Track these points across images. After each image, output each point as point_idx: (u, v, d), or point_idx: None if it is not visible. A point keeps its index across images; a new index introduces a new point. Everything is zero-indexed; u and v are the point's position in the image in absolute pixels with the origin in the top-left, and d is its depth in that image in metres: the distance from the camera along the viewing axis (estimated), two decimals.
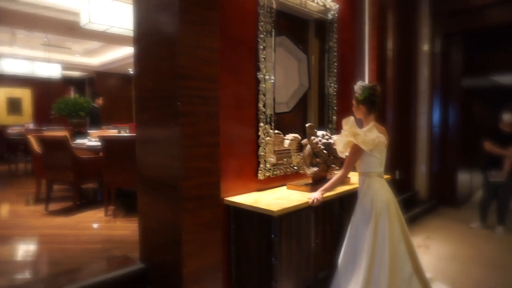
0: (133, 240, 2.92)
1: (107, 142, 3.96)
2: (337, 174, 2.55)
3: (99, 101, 7.36)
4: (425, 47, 5.52)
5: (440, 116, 5.57)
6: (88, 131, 6.15)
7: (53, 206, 4.34)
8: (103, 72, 11.18)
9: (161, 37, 2.22)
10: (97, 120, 7.29)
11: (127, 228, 3.54)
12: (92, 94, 7.56)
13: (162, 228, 2.33)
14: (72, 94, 11.72)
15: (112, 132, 5.71)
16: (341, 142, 2.49)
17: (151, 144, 2.38)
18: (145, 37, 2.39)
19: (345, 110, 2.48)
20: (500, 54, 6.86)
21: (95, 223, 3.85)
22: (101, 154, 4.12)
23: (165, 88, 2.19)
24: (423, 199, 5.54)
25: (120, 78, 11.64)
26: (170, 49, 2.13)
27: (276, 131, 2.91)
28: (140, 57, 2.46)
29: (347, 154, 2.48)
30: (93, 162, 4.32)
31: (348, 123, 2.40)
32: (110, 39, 7.14)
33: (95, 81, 11.43)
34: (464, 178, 5.86)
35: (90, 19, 4.26)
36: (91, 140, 5.00)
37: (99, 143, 4.28)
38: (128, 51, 8.52)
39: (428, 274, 2.72)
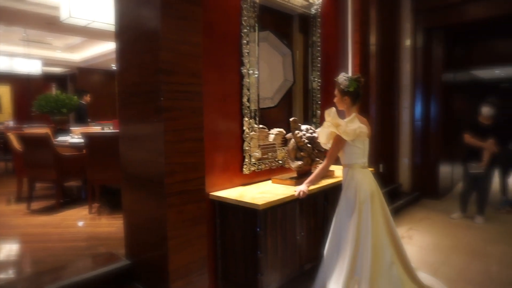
0: (118, 237, 2.90)
1: (90, 139, 3.90)
2: (320, 165, 2.58)
3: (87, 98, 7.29)
4: (407, 42, 5.61)
5: (422, 110, 5.69)
6: (71, 128, 6.05)
7: (35, 205, 4.26)
8: (86, 68, 10.97)
9: (143, 32, 2.20)
10: (84, 117, 7.21)
11: (112, 225, 3.51)
12: (80, 91, 7.49)
13: (148, 224, 2.32)
14: (54, 91, 11.45)
15: (95, 129, 5.62)
16: (323, 134, 2.52)
17: (135, 140, 2.36)
18: (127, 32, 2.36)
19: (329, 104, 2.51)
20: (479, 49, 7.04)
21: (79, 221, 3.80)
22: (84, 151, 4.06)
23: (148, 83, 2.17)
24: (406, 191, 5.66)
25: (103, 74, 11.45)
26: (152, 44, 2.12)
27: (261, 126, 2.93)
28: (122, 52, 2.43)
29: (329, 145, 2.52)
30: (76, 159, 4.26)
31: (331, 114, 2.44)
32: (92, 34, 7.01)
33: (77, 78, 11.21)
34: (445, 170, 6.00)
35: (70, 14, 4.16)
36: (74, 137, 4.91)
37: (82, 140, 4.22)
38: (111, 46, 8.37)
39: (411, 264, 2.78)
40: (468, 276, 3.08)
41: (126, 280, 2.43)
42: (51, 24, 6.08)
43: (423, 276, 2.90)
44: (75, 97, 6.26)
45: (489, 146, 4.38)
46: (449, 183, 6.29)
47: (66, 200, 4.52)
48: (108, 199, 4.36)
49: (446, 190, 6.09)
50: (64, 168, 4.11)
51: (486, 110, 4.51)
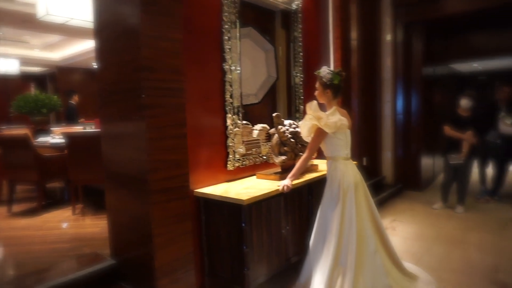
0: (103, 237, 2.87)
1: (72, 139, 3.84)
2: (301, 157, 2.61)
3: (76, 98, 7.21)
4: (388, 37, 5.70)
5: (403, 103, 5.79)
6: (52, 128, 5.93)
7: (16, 208, 4.16)
8: (66, 67, 10.72)
9: (122, 29, 2.17)
10: (74, 117, 7.11)
11: (96, 226, 3.46)
12: (68, 91, 7.39)
13: (132, 222, 2.30)
14: (33, 91, 11.17)
15: (77, 128, 5.52)
16: (305, 127, 2.55)
17: (117, 139, 2.34)
18: (106, 29, 2.33)
19: (311, 99, 2.53)
20: (457, 43, 7.20)
21: (63, 222, 3.74)
22: (65, 151, 3.99)
23: (128, 81, 2.15)
24: (389, 184, 5.77)
25: (84, 73, 11.21)
26: (132, 41, 2.10)
27: (245, 122, 2.93)
28: (102, 50, 2.40)
29: (310, 138, 2.55)
30: (57, 160, 4.18)
31: (312, 107, 2.47)
32: (71, 32, 6.85)
33: (57, 77, 10.95)
34: (427, 162, 6.13)
35: (47, 11, 4.06)
36: (55, 137, 4.82)
37: (63, 141, 4.14)
38: (91, 44, 8.16)
39: None
40: (449, 264, 3.17)
41: (112, 280, 2.41)
42: (28, 22, 5.92)
43: (407, 266, 2.97)
44: (55, 96, 6.13)
45: (468, 137, 4.51)
46: (431, 175, 6.43)
47: (48, 201, 4.43)
48: (92, 200, 4.30)
49: (428, 182, 6.23)
50: (45, 169, 4.03)
51: (464, 103, 4.62)
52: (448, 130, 4.66)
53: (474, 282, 2.84)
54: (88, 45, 8.56)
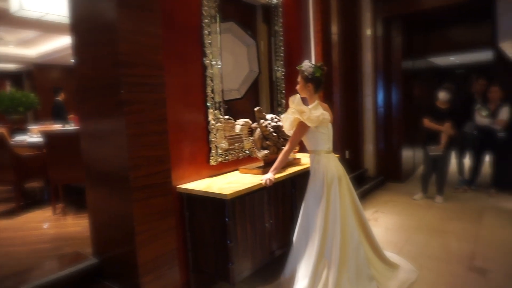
0: (84, 236, 2.83)
1: (50, 137, 3.75)
2: (282, 151, 2.63)
3: (63, 95, 7.05)
4: (368, 31, 5.76)
5: (384, 97, 5.89)
6: (29, 127, 5.77)
7: None
8: (43, 64, 10.42)
9: (99, 23, 2.13)
10: (63, 114, 6.94)
11: (78, 225, 3.40)
12: (55, 89, 7.20)
13: (114, 220, 2.28)
14: (8, 89, 10.84)
15: (55, 126, 5.40)
16: (287, 120, 2.57)
17: (97, 136, 2.30)
18: (83, 24, 2.28)
19: (293, 93, 2.55)
20: (436, 37, 7.35)
21: (43, 222, 3.66)
22: (44, 150, 3.90)
23: (107, 77, 2.11)
24: (372, 176, 5.87)
25: (62, 70, 10.94)
26: (109, 36, 2.05)
27: (227, 117, 2.93)
28: (78, 45, 2.34)
29: (292, 132, 2.57)
30: (36, 159, 4.08)
31: (295, 101, 2.48)
32: (47, 27, 6.67)
33: (34, 74, 10.64)
34: (407, 154, 6.26)
35: (21, 6, 3.94)
36: (33, 136, 4.70)
37: (41, 139, 4.04)
38: (69, 40, 8.00)
39: None
40: (429, 252, 3.26)
41: (95, 279, 2.38)
42: (1, 17, 5.72)
43: (389, 255, 3.03)
44: (33, 94, 5.98)
45: (446, 129, 4.62)
46: (411, 167, 6.57)
47: (27, 202, 4.33)
48: (73, 199, 4.22)
49: (409, 173, 6.37)
50: (23, 168, 3.93)
51: (442, 96, 4.73)
52: (427, 122, 4.76)
53: (452, 268, 2.93)
54: (66, 41, 8.32)
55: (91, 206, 2.48)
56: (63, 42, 8.59)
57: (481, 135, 4.91)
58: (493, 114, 4.74)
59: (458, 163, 5.39)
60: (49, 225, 3.57)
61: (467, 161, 5.35)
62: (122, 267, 2.27)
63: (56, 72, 10.89)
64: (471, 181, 5.27)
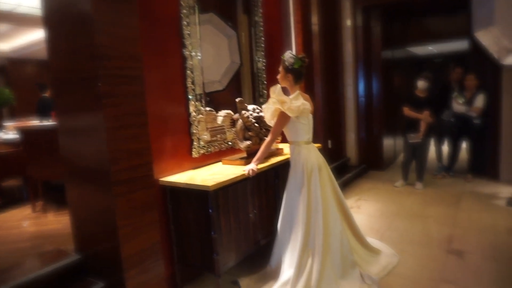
0: (66, 233, 2.78)
1: (27, 133, 3.65)
2: (264, 141, 2.64)
3: (49, 91, 6.82)
4: (348, 21, 5.80)
5: (365, 86, 5.96)
6: (4, 123, 5.59)
7: None
8: (17, 59, 10.06)
9: (74, 15, 2.06)
10: (48, 111, 6.73)
11: (58, 222, 3.34)
12: (40, 85, 6.96)
13: (95, 216, 2.24)
14: None
15: (33, 122, 5.24)
16: (268, 110, 2.57)
17: (75, 130, 2.25)
18: (56, 15, 2.21)
19: (274, 84, 2.55)
20: (414, 27, 7.46)
21: (23, 221, 3.58)
22: (20, 147, 3.79)
23: (84, 69, 2.06)
24: (354, 165, 5.96)
25: (38, 65, 10.58)
26: (85, 28, 2.00)
27: (208, 109, 2.91)
28: (53, 37, 2.27)
29: (273, 122, 2.58)
30: (11, 156, 3.96)
31: (276, 91, 2.49)
32: (20, 20, 6.43)
33: (7, 70, 10.27)
34: (388, 143, 6.38)
35: None
36: (8, 133, 4.56)
37: (17, 136, 3.93)
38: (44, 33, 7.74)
39: None
40: (410, 237, 3.35)
41: (78, 275, 2.35)
42: None
43: (371, 241, 3.11)
44: (7, 90, 5.77)
45: (425, 117, 4.72)
46: (392, 155, 6.71)
47: (5, 201, 4.21)
48: (53, 196, 4.13)
49: (390, 161, 6.49)
50: None
51: (421, 84, 4.82)
52: (407, 111, 4.85)
53: (432, 252, 3.02)
54: (41, 34, 8.07)
55: (71, 203, 2.44)
56: (38, 35, 8.31)
57: (458, 122, 5.04)
58: (469, 102, 4.87)
59: (436, 150, 5.53)
60: (29, 223, 3.49)
61: (445, 148, 5.50)
62: (106, 262, 2.25)
63: (31, 66, 10.54)
64: (449, 167, 5.42)
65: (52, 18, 2.24)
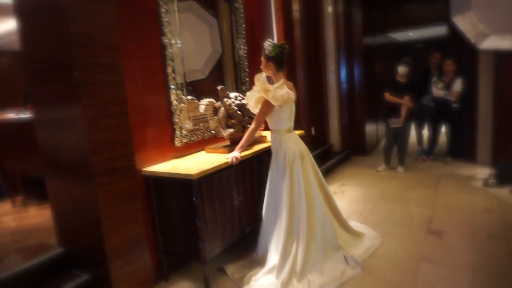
0: (48, 227, 2.73)
1: (2, 127, 3.54)
2: (248, 129, 2.65)
3: None
4: (329, 8, 5.79)
5: (347, 73, 6.00)
6: None
7: None
8: None
9: (47, 2, 1.99)
10: None
11: (40, 216, 3.29)
12: None
13: (78, 208, 2.21)
14: None
15: (8, 115, 5.08)
16: (252, 97, 2.57)
17: (53, 122, 2.19)
18: (28, 3, 2.13)
19: (257, 72, 2.54)
20: (395, 13, 7.51)
21: (3, 216, 3.50)
22: None
23: (59, 58, 2.00)
24: (337, 151, 6.04)
25: (12, 56, 10.22)
26: (59, 15, 1.93)
27: (190, 97, 2.88)
28: (25, 26, 2.19)
29: (257, 110, 2.58)
30: None
31: (260, 79, 2.48)
32: None
33: None
34: (371, 128, 6.48)
35: None
36: None
37: None
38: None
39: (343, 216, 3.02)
40: (392, 219, 3.43)
41: (62, 268, 2.33)
42: None
43: (354, 224, 3.18)
44: None
45: (405, 102, 4.80)
46: (375, 140, 6.82)
47: None
48: (34, 190, 4.04)
49: (372, 147, 6.60)
50: None
51: (401, 69, 4.89)
52: (388, 96, 4.92)
53: (413, 233, 3.11)
54: (14, 24, 7.77)
55: (52, 196, 2.40)
56: (11, 25, 8.00)
57: (437, 107, 5.14)
58: (447, 86, 4.97)
59: (417, 134, 5.65)
60: (10, 218, 3.42)
61: (426, 132, 5.62)
62: (90, 254, 2.23)
63: (5, 58, 10.15)
64: (429, 151, 5.55)
65: (24, 6, 2.16)
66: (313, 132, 5.20)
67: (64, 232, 2.40)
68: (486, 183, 4.20)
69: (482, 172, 4.62)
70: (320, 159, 5.02)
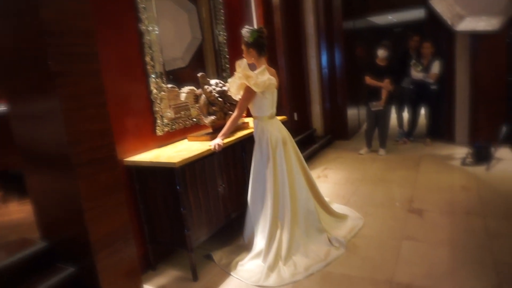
0: (29, 222, 2.67)
1: None
2: (231, 116, 2.64)
3: None
4: None
5: (328, 58, 6.01)
6: None
7: None
8: None
9: None
10: None
11: (21, 211, 3.22)
12: None
13: (59, 200, 2.17)
14: None
15: None
16: (234, 84, 2.56)
17: (28, 114, 2.13)
18: None
19: (237, 58, 2.53)
20: None
21: None
22: None
23: (31, 48, 1.93)
24: (320, 136, 6.09)
25: None
26: (30, 2, 1.86)
27: (171, 85, 2.85)
28: None
29: (239, 96, 2.58)
30: None
31: (241, 65, 2.47)
32: None
33: None
34: (352, 112, 6.55)
35: None
36: None
37: None
38: None
39: (327, 198, 3.08)
40: (374, 200, 3.52)
41: (46, 262, 2.30)
42: None
43: (337, 207, 3.24)
44: None
45: (385, 85, 4.86)
46: (357, 124, 6.91)
47: None
48: (14, 186, 3.95)
49: (354, 131, 6.69)
50: None
51: (381, 53, 4.93)
52: (368, 80, 4.98)
53: (394, 212, 3.20)
54: None
55: (32, 190, 2.35)
56: None
57: (417, 89, 5.23)
58: (426, 69, 5.06)
59: (398, 117, 5.75)
60: None
61: (406, 114, 5.72)
62: (75, 246, 2.21)
63: None
64: (410, 133, 5.66)
65: None
66: (295, 118, 5.22)
67: (46, 226, 2.36)
68: (463, 162, 4.33)
69: (460, 152, 4.76)
70: (304, 144, 5.07)
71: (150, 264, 2.63)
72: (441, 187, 3.68)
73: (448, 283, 2.13)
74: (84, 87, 2.01)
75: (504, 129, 4.15)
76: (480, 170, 4.07)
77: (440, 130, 5.45)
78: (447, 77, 5.13)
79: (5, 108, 4.32)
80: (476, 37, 4.65)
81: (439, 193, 3.52)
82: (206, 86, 2.74)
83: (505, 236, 2.59)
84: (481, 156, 4.25)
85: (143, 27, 2.58)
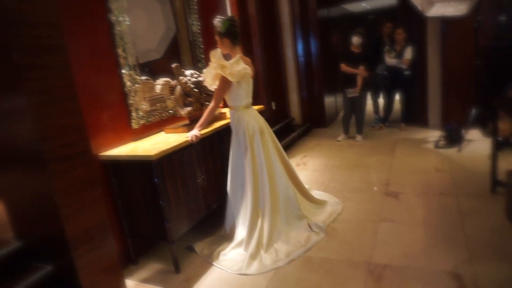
0: (2, 222, 2.60)
1: None
2: (207, 107, 2.63)
3: None
4: None
5: (303, 46, 6.03)
6: None
7: None
8: None
9: None
10: None
11: None
12: None
13: (33, 198, 2.11)
14: None
15: None
16: (209, 74, 2.54)
17: None
18: None
19: (212, 48, 2.50)
20: None
21: None
22: None
23: None
24: (298, 124, 6.14)
25: None
26: None
27: (145, 77, 2.80)
28: None
29: (215, 87, 2.56)
30: None
31: (216, 55, 2.44)
32: None
33: None
34: (329, 100, 6.62)
35: None
36: None
37: None
38: None
39: (306, 186, 3.13)
40: (351, 185, 3.59)
41: (22, 261, 2.24)
42: None
43: (317, 193, 3.29)
44: None
45: (360, 72, 4.94)
46: (334, 111, 7.00)
47: None
48: None
49: (332, 118, 6.78)
50: None
51: (355, 40, 4.99)
52: (344, 67, 5.03)
53: (371, 196, 3.28)
54: None
55: (4, 189, 2.27)
56: None
57: (391, 75, 5.34)
58: (399, 55, 5.16)
59: (373, 103, 5.85)
60: None
61: (381, 100, 5.83)
62: (51, 244, 2.16)
63: None
64: (385, 118, 5.79)
65: None
66: (273, 107, 5.24)
67: (21, 225, 2.29)
68: (436, 145, 4.47)
69: (433, 135, 4.91)
70: (282, 133, 5.10)
71: (131, 258, 2.61)
72: (416, 169, 3.79)
73: (424, 261, 2.22)
74: (53, 80, 1.95)
75: (473, 111, 4.30)
76: (452, 151, 4.21)
77: (414, 115, 5.59)
78: (419, 63, 5.25)
79: None
80: (445, 22, 4.77)
81: (414, 176, 3.63)
82: (181, 77, 2.70)
83: (476, 214, 2.70)
84: (453, 138, 4.40)
85: (113, 18, 2.51)
